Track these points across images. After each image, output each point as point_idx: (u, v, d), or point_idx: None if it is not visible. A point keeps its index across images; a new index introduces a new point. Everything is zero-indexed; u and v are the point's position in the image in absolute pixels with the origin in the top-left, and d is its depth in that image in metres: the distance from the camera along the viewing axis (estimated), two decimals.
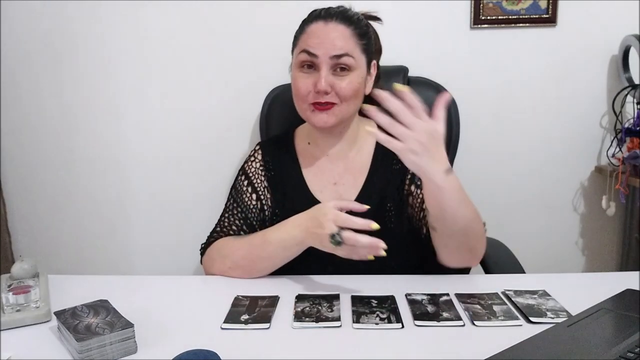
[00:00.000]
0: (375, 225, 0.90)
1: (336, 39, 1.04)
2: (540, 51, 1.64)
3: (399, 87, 0.83)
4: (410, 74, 1.45)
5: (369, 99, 1.05)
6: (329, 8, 1.09)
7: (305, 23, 1.09)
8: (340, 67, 1.05)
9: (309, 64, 1.06)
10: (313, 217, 0.96)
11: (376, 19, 1.17)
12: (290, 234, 0.99)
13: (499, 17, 1.61)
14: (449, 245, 0.98)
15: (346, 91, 1.05)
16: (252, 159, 1.20)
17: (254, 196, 1.16)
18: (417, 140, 0.83)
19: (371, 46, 1.10)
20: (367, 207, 0.95)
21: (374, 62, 1.13)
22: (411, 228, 1.10)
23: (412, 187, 1.10)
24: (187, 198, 1.75)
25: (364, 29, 1.09)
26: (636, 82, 1.59)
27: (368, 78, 1.11)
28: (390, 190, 1.12)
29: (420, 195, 1.08)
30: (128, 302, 0.86)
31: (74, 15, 1.64)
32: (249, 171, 1.18)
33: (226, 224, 1.14)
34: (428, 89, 1.42)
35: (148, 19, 1.64)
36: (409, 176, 1.11)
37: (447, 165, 0.88)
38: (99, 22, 1.64)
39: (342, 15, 1.07)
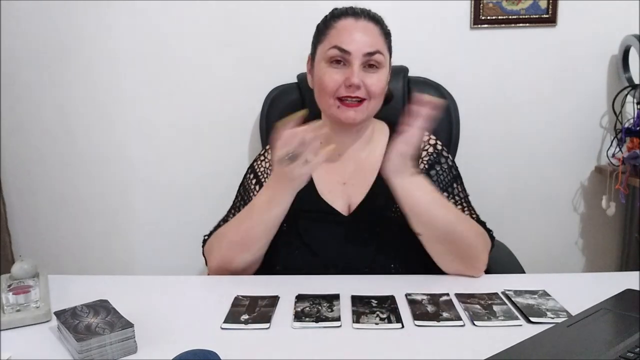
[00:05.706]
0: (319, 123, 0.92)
1: (368, 35, 1.05)
2: (540, 51, 1.65)
3: (428, 98, 0.93)
4: (410, 74, 1.45)
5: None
6: (353, 7, 1.08)
7: (332, 19, 1.08)
8: (369, 64, 1.05)
9: (339, 60, 1.05)
10: (275, 171, 0.98)
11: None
12: (266, 190, 1.01)
13: (499, 17, 1.61)
14: (439, 252, 0.99)
15: (376, 87, 1.05)
16: (262, 158, 1.20)
17: None
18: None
19: (391, 46, 1.12)
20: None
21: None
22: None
23: None
24: (187, 198, 1.75)
25: (387, 29, 1.10)
26: (636, 82, 1.58)
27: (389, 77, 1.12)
28: None
29: None
30: (128, 302, 0.86)
31: (75, 14, 1.64)
32: (257, 170, 1.18)
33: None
34: (428, 89, 1.42)
35: (149, 19, 1.64)
36: None
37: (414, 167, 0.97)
38: (100, 22, 1.64)
39: (369, 14, 1.08)
